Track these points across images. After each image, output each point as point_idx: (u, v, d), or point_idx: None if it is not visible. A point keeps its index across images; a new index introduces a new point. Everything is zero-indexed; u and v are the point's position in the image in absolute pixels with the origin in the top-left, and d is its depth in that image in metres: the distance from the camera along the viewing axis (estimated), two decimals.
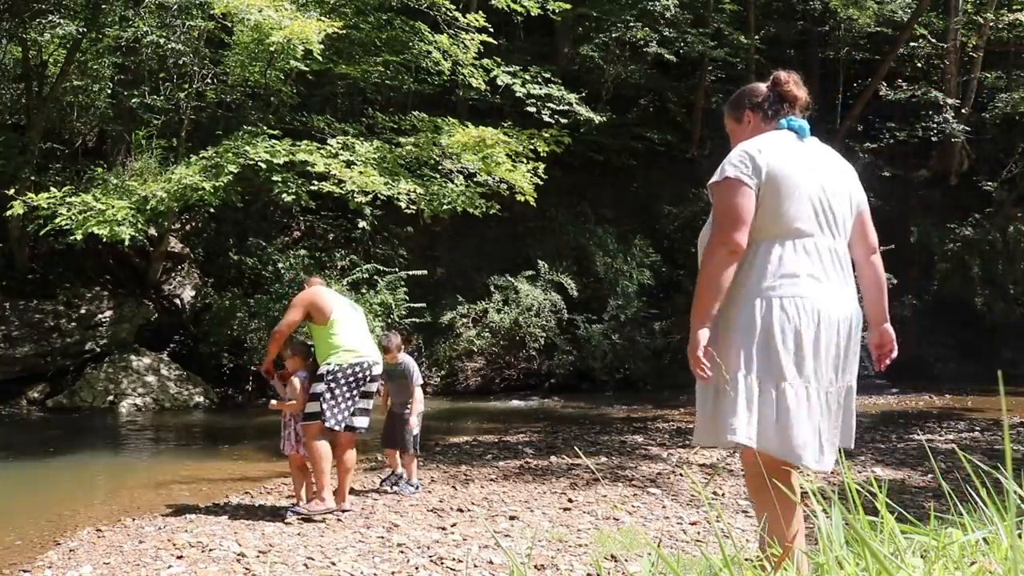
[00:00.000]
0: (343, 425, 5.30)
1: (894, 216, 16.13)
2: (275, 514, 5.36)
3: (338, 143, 11.14)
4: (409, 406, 6.02)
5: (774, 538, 2.35)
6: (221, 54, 12.82)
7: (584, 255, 15.23)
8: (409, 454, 6.09)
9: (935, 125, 17.22)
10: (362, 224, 13.13)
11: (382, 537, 4.78)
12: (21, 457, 7.97)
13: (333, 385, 5.25)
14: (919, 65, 18.93)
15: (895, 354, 2.85)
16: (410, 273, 12.89)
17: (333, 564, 4.25)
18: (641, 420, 10.49)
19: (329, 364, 5.28)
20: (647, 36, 16.47)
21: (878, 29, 17.88)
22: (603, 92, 16.32)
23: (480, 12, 12.76)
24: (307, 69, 11.90)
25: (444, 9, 12.44)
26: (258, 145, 10.53)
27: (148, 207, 10.18)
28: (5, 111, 13.59)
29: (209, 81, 12.79)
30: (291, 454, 5.44)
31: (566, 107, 13.49)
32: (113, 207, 9.97)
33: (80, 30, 11.44)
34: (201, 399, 11.83)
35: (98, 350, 12.00)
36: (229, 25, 12.28)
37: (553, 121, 13.09)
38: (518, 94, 13.10)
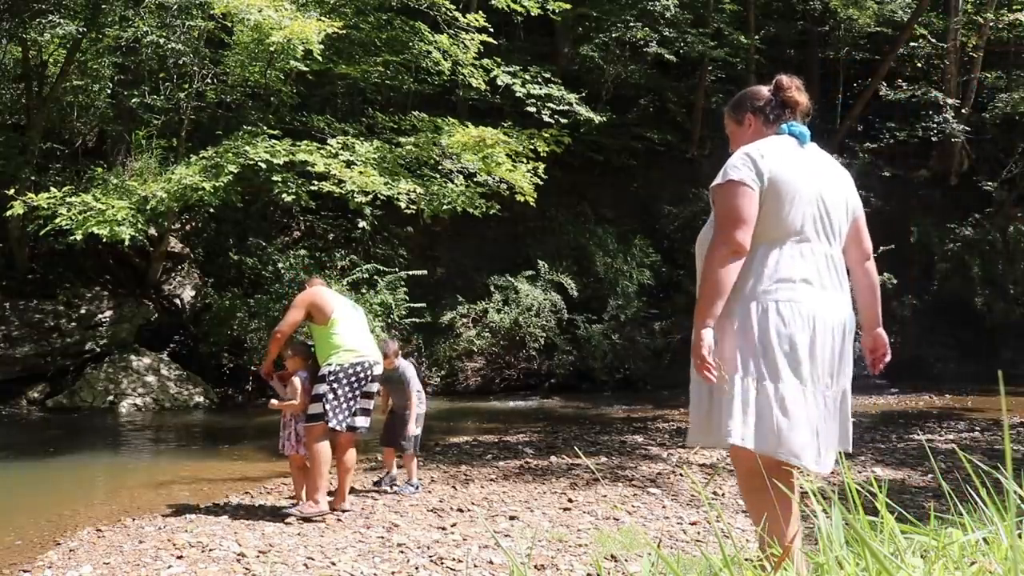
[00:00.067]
0: (344, 425, 5.30)
1: (894, 216, 16.15)
2: (275, 514, 5.36)
3: (338, 143, 11.14)
4: (409, 410, 6.05)
5: (774, 538, 2.36)
6: (221, 54, 12.81)
7: (584, 255, 15.22)
8: (408, 454, 6.11)
9: (935, 125, 17.21)
10: (362, 224, 13.12)
11: (382, 537, 4.78)
12: (21, 457, 7.97)
13: (335, 385, 5.25)
14: (919, 65, 18.92)
15: (888, 358, 2.90)
16: (410, 273, 12.89)
17: (333, 564, 4.25)
18: (641, 420, 10.49)
19: (330, 364, 5.28)
20: (647, 36, 16.46)
21: (878, 29, 17.87)
22: (603, 92, 16.32)
23: (480, 12, 12.76)
24: (307, 69, 11.89)
25: (444, 9, 12.44)
26: (258, 145, 10.54)
27: (148, 207, 10.18)
28: (5, 111, 13.58)
29: (209, 81, 12.78)
30: (291, 454, 5.44)
31: (566, 107, 13.49)
32: (113, 207, 9.98)
33: (80, 30, 11.44)
34: (201, 399, 11.83)
35: (98, 350, 12.00)
36: (229, 25, 12.27)
37: (553, 121, 13.08)
38: (518, 94, 13.10)
